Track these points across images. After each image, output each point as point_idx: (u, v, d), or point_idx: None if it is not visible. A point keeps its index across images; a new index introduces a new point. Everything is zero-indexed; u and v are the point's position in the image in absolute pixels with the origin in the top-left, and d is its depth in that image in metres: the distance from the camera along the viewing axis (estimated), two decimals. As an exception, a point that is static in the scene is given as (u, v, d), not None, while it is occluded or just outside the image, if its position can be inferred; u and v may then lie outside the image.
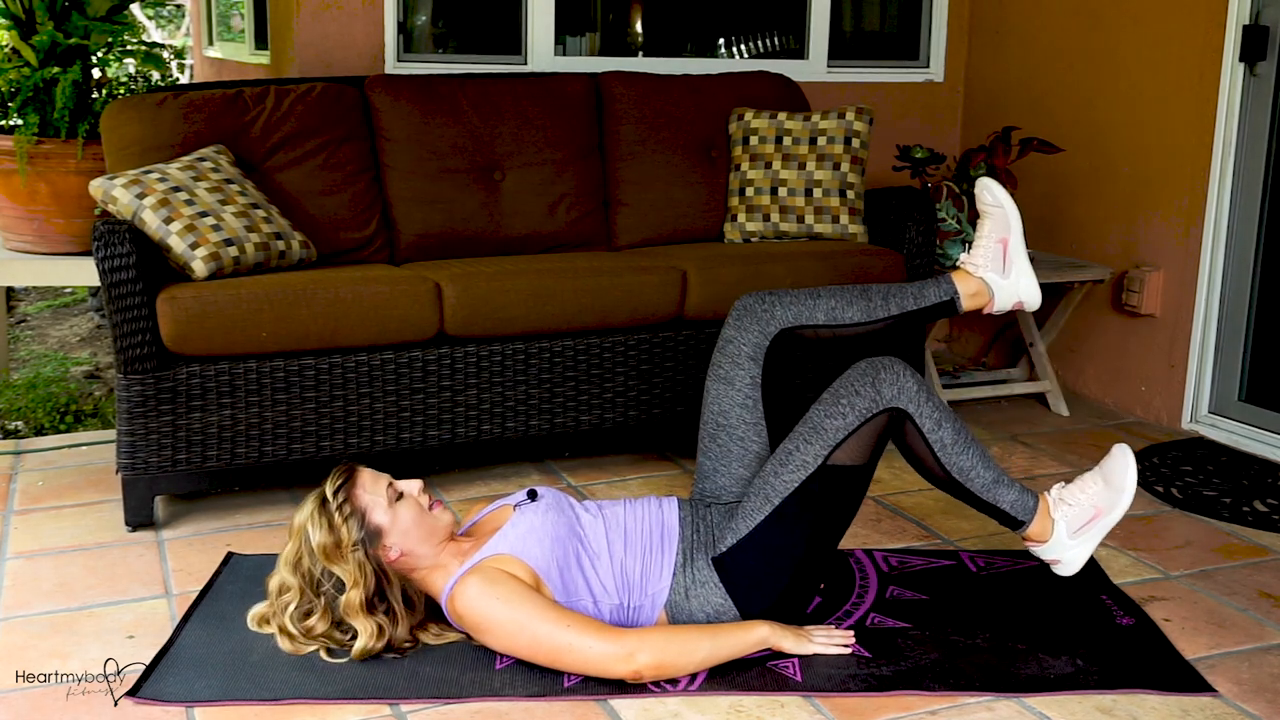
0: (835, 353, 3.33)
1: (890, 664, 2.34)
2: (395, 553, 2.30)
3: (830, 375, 2.76)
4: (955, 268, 2.69)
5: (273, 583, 2.35)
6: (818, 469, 2.32)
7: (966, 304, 2.63)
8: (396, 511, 2.30)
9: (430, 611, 2.39)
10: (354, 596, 2.26)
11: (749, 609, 2.35)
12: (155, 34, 10.72)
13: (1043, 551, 2.48)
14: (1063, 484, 2.51)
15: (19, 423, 4.05)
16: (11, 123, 3.67)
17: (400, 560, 2.31)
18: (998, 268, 2.60)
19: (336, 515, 2.26)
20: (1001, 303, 2.63)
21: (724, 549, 2.36)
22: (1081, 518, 2.44)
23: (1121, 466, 2.43)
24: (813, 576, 2.43)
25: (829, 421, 2.33)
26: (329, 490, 2.29)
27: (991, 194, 2.64)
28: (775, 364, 2.62)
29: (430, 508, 2.35)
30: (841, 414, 2.32)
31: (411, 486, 2.35)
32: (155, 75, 4.13)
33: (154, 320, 2.89)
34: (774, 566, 2.35)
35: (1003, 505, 2.43)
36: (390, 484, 2.32)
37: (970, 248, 2.69)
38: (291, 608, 2.31)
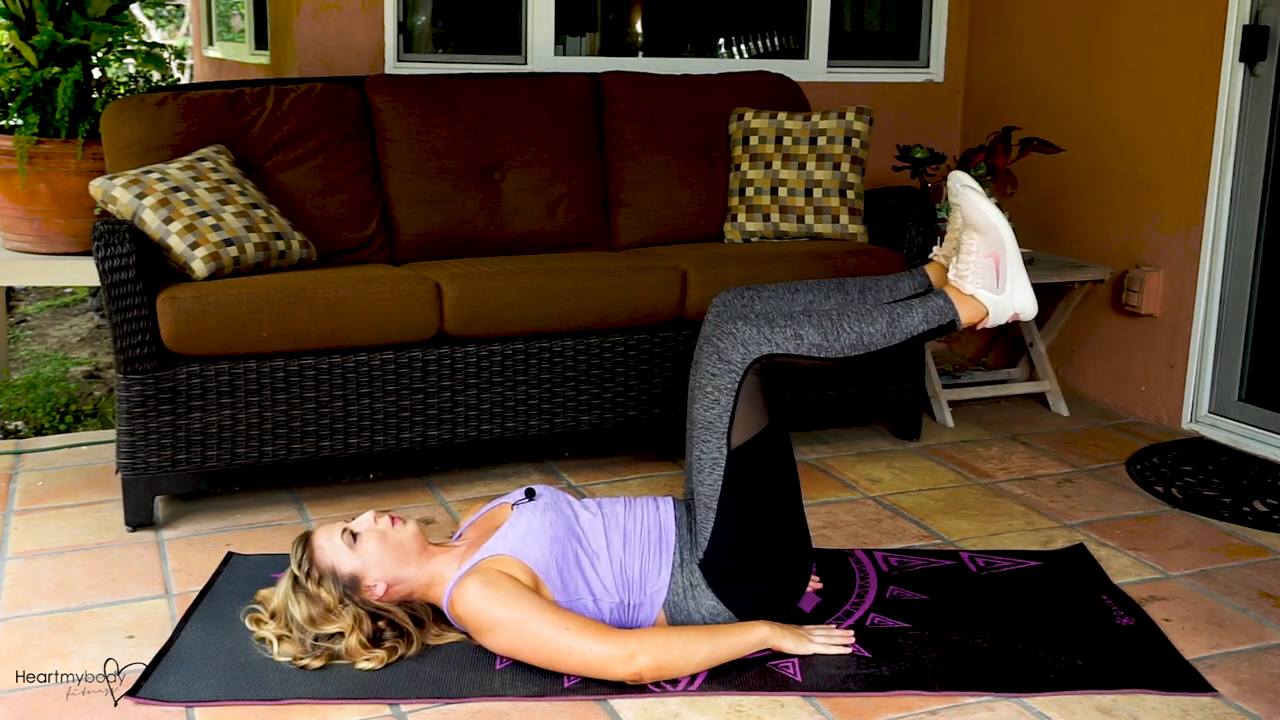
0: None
1: (890, 664, 2.34)
2: (381, 588, 2.30)
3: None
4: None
5: (272, 650, 2.34)
6: (728, 459, 2.33)
7: None
8: (361, 551, 2.30)
9: (432, 612, 2.39)
10: (353, 641, 2.28)
11: (741, 610, 2.35)
12: (155, 34, 10.72)
13: (994, 320, 2.44)
14: (953, 262, 2.48)
15: (19, 423, 4.05)
16: (11, 123, 3.67)
17: (390, 591, 2.31)
18: (990, 284, 2.54)
19: (310, 585, 2.27)
20: (996, 317, 2.58)
21: (701, 557, 2.37)
22: (988, 272, 2.42)
23: (972, 209, 2.41)
24: (794, 559, 2.43)
25: (709, 414, 2.33)
26: (295, 567, 2.30)
27: (961, 184, 2.62)
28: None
29: (393, 524, 2.35)
30: (714, 401, 2.32)
31: (363, 521, 2.35)
32: (155, 75, 4.12)
33: (154, 320, 2.89)
34: (749, 561, 2.35)
35: (920, 330, 2.39)
36: (344, 529, 2.32)
37: (943, 240, 2.68)
38: (292, 659, 2.32)
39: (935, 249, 2.69)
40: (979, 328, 2.46)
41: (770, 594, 2.38)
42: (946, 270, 2.64)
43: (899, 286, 2.62)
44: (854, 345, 2.35)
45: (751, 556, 2.35)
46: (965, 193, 2.44)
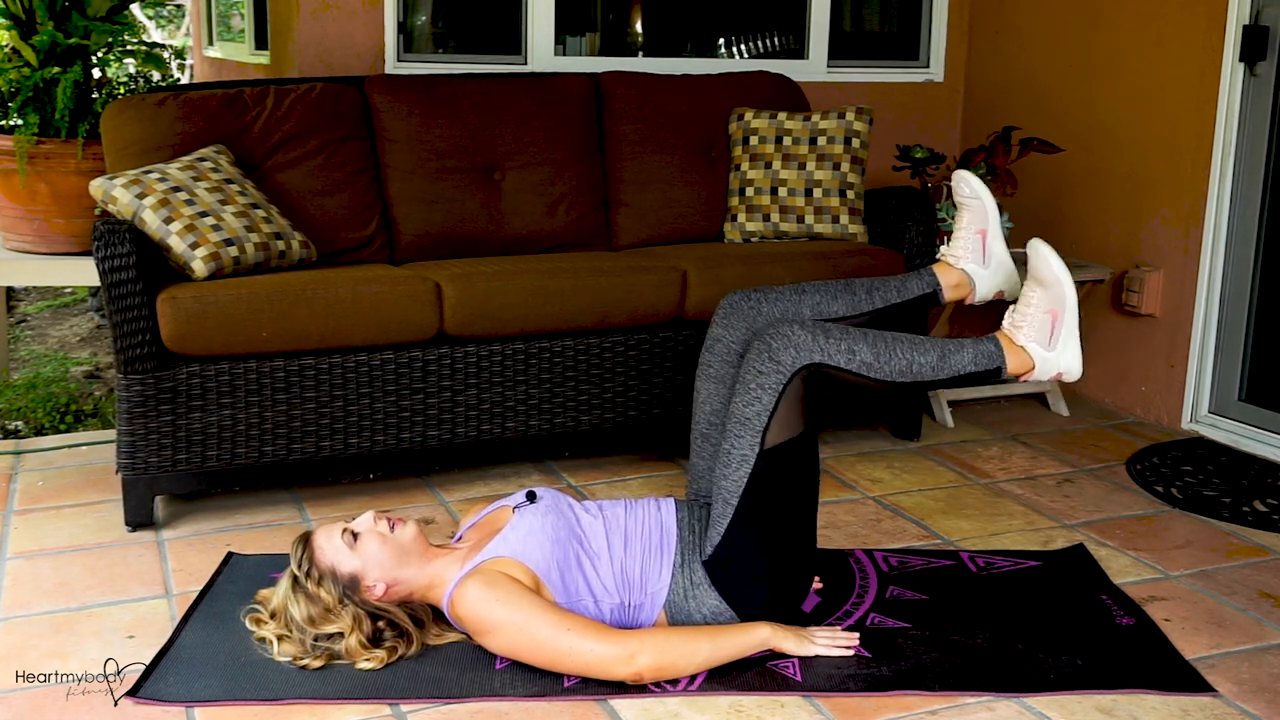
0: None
1: (890, 664, 2.34)
2: (380, 588, 2.30)
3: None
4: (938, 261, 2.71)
5: (272, 650, 2.34)
6: (758, 457, 2.32)
7: (949, 295, 2.66)
8: (361, 552, 2.30)
9: (432, 612, 2.39)
10: (352, 641, 2.28)
11: (745, 610, 2.35)
12: (155, 34, 10.72)
13: (1039, 376, 2.45)
14: (1011, 309, 2.49)
15: (19, 423, 4.05)
16: (11, 123, 3.67)
17: (390, 591, 2.31)
18: (978, 259, 2.60)
19: (310, 585, 2.27)
20: (983, 293, 2.65)
21: (708, 555, 2.36)
22: (1044, 328, 2.42)
23: (1041, 262, 2.42)
24: (801, 562, 2.43)
25: (749, 410, 2.32)
26: (295, 567, 2.30)
27: (968, 185, 2.64)
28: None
29: (391, 528, 2.34)
30: (756, 398, 2.32)
31: (363, 521, 2.34)
32: (155, 75, 4.13)
33: (154, 320, 2.89)
34: (757, 563, 2.35)
35: (966, 369, 2.40)
36: (344, 529, 2.32)
37: (950, 240, 2.70)
38: (292, 659, 2.32)
39: (943, 248, 2.70)
40: (1021, 379, 2.47)
41: (774, 596, 2.38)
42: (954, 269, 2.65)
43: (907, 287, 2.63)
44: (902, 372, 2.35)
45: (761, 558, 2.35)
46: (1038, 246, 2.44)
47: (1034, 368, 2.44)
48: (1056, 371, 2.45)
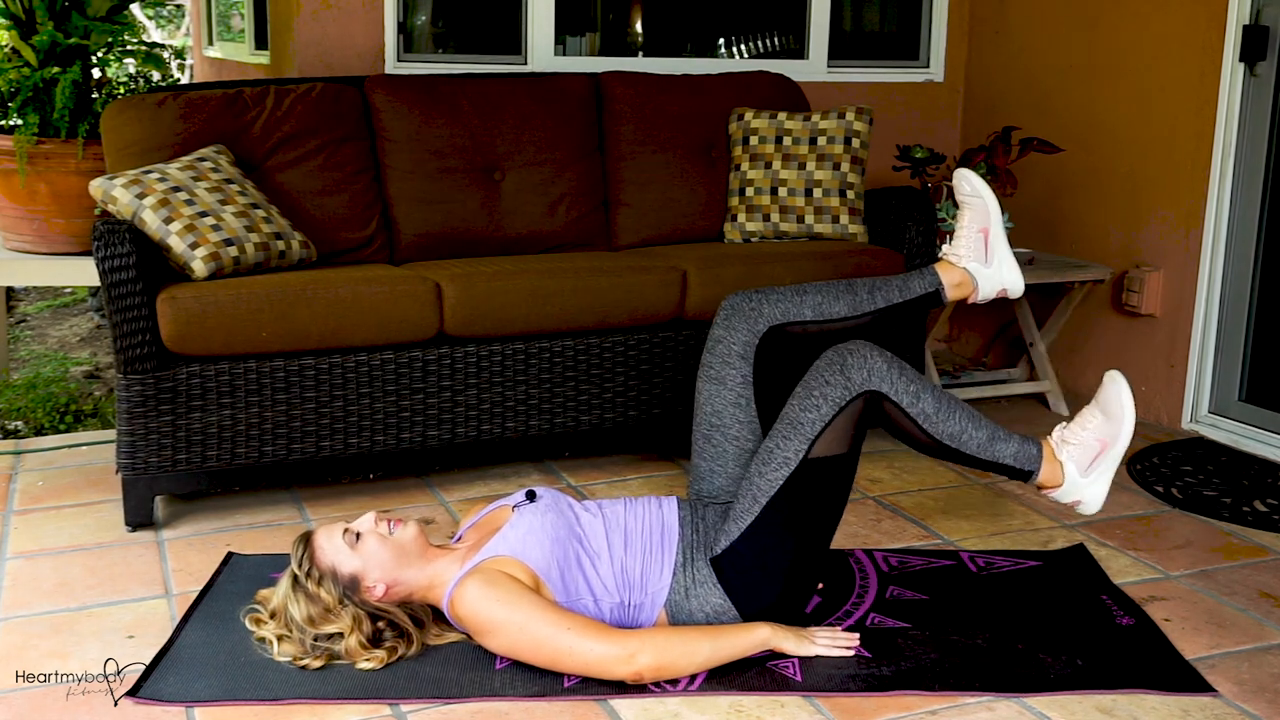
0: (825, 348, 3.32)
1: (890, 664, 2.34)
2: (380, 589, 2.30)
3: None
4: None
5: (272, 650, 2.34)
6: (800, 464, 2.31)
7: (951, 294, 2.67)
8: (362, 552, 2.30)
9: (432, 612, 2.39)
10: (352, 642, 2.28)
11: (748, 609, 2.35)
12: (155, 34, 10.72)
13: (1061, 496, 2.46)
14: (1064, 424, 2.50)
15: (19, 423, 4.05)
16: (11, 123, 3.67)
17: (390, 592, 2.31)
18: (980, 257, 2.63)
19: (310, 584, 2.27)
20: (985, 291, 2.67)
21: (719, 550, 2.36)
22: (1088, 453, 2.43)
23: (1115, 394, 2.42)
24: (810, 573, 2.43)
25: (805, 415, 2.32)
26: (295, 566, 2.30)
27: (969, 184, 2.66)
28: (766, 361, 2.63)
29: (391, 528, 2.34)
30: (815, 406, 2.31)
31: (364, 522, 2.34)
32: (155, 75, 4.13)
33: (154, 320, 2.89)
34: (770, 566, 2.35)
35: (1004, 460, 2.41)
36: (345, 529, 2.32)
37: (952, 239, 2.71)
38: (292, 659, 2.32)
39: (945, 247, 2.71)
40: (1043, 491, 2.48)
41: (782, 595, 2.38)
42: (956, 267, 2.65)
43: (909, 286, 2.63)
44: (953, 436, 2.36)
45: (774, 560, 2.35)
46: (1117, 378, 2.44)
47: (1061, 485, 2.45)
48: (1078, 498, 2.46)
